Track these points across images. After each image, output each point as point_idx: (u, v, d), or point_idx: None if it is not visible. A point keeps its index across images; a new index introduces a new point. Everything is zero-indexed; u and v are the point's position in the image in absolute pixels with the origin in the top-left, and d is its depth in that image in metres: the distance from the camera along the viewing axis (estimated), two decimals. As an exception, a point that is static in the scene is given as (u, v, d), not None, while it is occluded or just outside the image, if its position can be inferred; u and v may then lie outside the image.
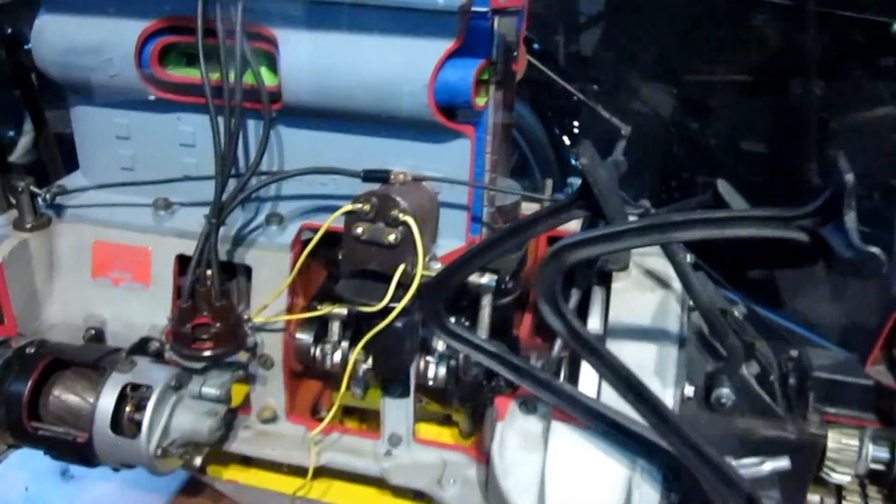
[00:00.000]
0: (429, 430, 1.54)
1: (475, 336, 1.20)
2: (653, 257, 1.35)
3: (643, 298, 1.31)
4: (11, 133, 1.76)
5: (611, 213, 1.03)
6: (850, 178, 0.78)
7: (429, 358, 1.34)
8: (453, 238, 1.32)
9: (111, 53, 1.26)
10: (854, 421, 1.33)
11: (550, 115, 3.21)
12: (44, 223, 1.40)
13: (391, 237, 1.13)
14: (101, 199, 1.42)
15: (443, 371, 1.34)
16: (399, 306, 1.15)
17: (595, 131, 3.17)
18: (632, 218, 1.30)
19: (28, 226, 1.38)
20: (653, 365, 1.23)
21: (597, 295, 1.35)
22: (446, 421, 1.55)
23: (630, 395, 1.03)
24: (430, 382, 1.34)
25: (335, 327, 1.35)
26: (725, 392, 1.26)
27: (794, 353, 1.44)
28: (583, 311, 1.26)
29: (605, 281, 1.35)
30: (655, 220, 0.88)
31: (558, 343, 1.25)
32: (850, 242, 0.76)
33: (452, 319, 1.35)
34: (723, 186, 1.17)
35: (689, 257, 1.44)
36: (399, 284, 1.15)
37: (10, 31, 1.46)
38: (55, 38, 1.29)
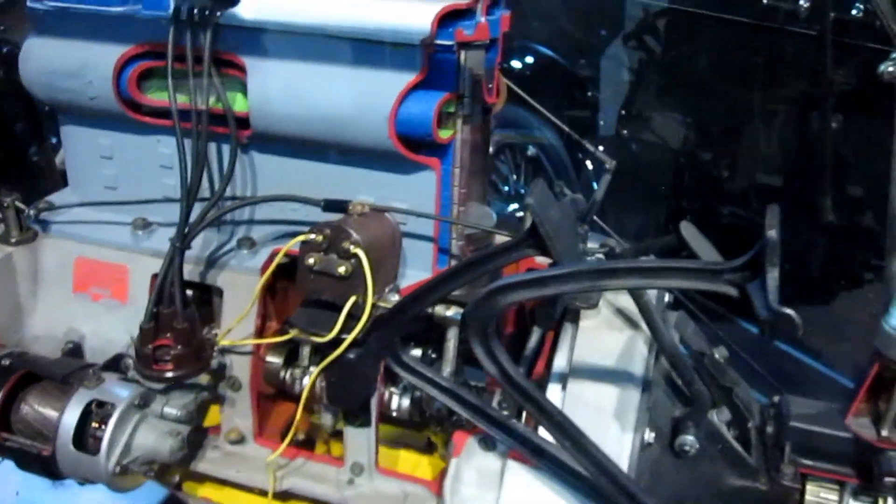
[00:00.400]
0: (407, 458, 1.53)
1: (430, 370, 1.19)
2: (625, 296, 1.32)
3: (610, 338, 1.28)
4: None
5: (557, 255, 1.01)
6: (773, 234, 0.75)
7: (393, 389, 1.33)
8: (419, 269, 1.31)
9: (91, 76, 1.30)
10: (831, 475, 1.28)
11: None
12: (29, 238, 1.44)
13: (342, 269, 1.13)
14: (85, 215, 1.45)
15: (406, 402, 1.33)
16: (349, 338, 1.14)
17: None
18: (599, 256, 1.29)
19: (13, 240, 1.42)
20: (612, 408, 1.21)
21: (567, 333, 1.33)
22: (429, 448, 1.54)
23: (566, 442, 1.00)
24: (394, 413, 1.33)
25: (305, 352, 1.36)
26: (689, 439, 1.22)
27: (776, 399, 1.39)
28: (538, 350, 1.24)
29: (577, 318, 1.33)
30: (585, 266, 0.86)
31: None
32: (766, 303, 0.73)
33: (419, 351, 1.35)
34: (686, 229, 1.14)
35: (666, 296, 1.41)
36: (351, 316, 1.15)
37: (5, 50, 1.51)
38: (40, 60, 1.33)
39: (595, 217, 1.51)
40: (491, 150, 4.05)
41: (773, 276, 0.75)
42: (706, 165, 2.68)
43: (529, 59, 3.55)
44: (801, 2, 2.37)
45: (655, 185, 2.83)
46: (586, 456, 1.00)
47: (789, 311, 0.72)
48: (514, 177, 3.68)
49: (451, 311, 1.29)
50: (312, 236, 1.14)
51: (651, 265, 0.85)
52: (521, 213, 3.54)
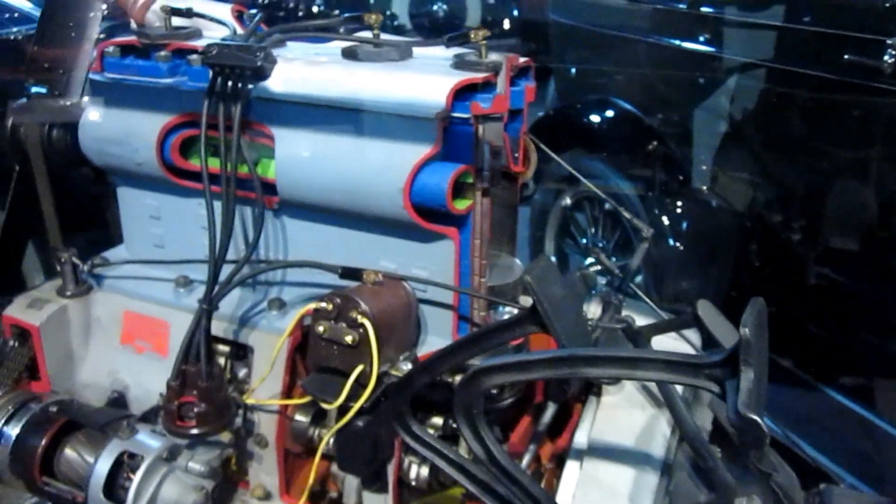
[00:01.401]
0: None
1: (439, 442, 1.18)
2: (652, 372, 1.28)
3: (631, 416, 1.24)
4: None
5: (556, 334, 0.99)
6: (746, 333, 0.71)
7: (411, 458, 1.32)
8: (440, 336, 1.31)
9: (137, 144, 1.38)
10: (876, 577, 1.18)
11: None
12: (83, 291, 1.53)
13: (349, 338, 1.15)
14: (135, 271, 1.53)
15: (425, 472, 1.32)
16: (355, 406, 1.15)
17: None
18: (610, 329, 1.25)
19: (69, 293, 1.51)
20: (627, 491, 1.16)
21: (590, 407, 1.29)
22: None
23: (558, 530, 0.97)
24: (413, 483, 1.32)
25: (331, 412, 1.37)
26: (712, 529, 1.15)
27: (821, 487, 1.30)
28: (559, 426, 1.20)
29: (600, 393, 1.29)
30: (563, 353, 0.84)
31: (527, 456, 1.20)
32: (735, 406, 0.68)
33: (441, 420, 1.34)
34: (703, 308, 1.09)
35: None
36: (359, 384, 1.16)
37: (78, 114, 1.62)
38: (94, 127, 1.43)
39: (631, 284, 1.47)
40: (569, 201, 4.00)
41: (747, 377, 0.70)
42: (783, 228, 2.56)
43: (610, 114, 3.52)
44: (886, 57, 2.26)
45: (738, 246, 2.73)
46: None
47: (755, 416, 0.67)
48: (592, 230, 3.63)
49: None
50: (323, 304, 1.16)
51: (631, 355, 0.82)
52: (597, 268, 3.48)
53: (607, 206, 3.51)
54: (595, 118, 3.50)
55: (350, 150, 1.22)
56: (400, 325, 1.22)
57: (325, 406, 1.18)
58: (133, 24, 1.52)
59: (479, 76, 1.18)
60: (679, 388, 1.24)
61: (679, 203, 3.03)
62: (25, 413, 1.42)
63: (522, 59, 1.29)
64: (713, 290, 2.71)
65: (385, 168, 1.19)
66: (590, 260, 3.59)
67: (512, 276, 1.31)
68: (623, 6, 3.49)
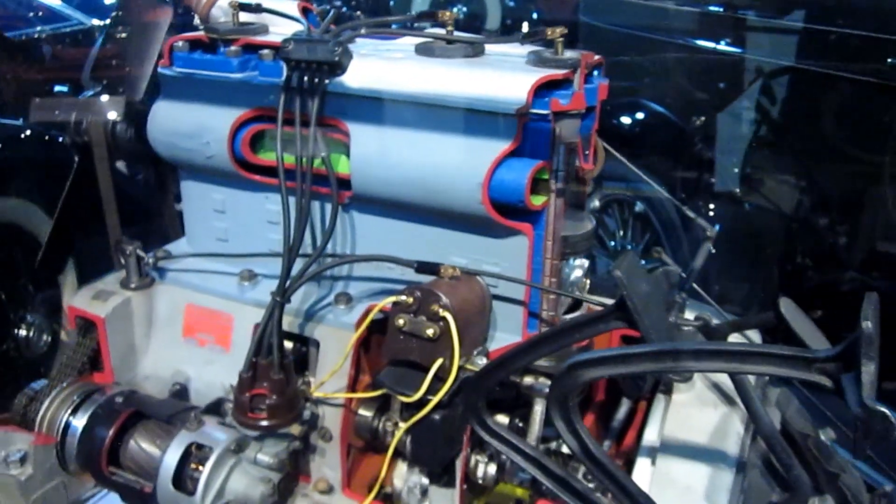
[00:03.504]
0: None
1: (515, 437, 1.18)
2: (722, 370, 1.28)
3: (703, 415, 1.24)
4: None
5: (645, 330, 0.99)
6: (868, 326, 0.71)
7: (479, 457, 1.32)
8: (509, 332, 1.31)
9: (208, 137, 1.39)
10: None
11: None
12: (147, 284, 1.54)
13: (430, 331, 1.15)
14: (197, 265, 1.54)
15: (492, 470, 1.32)
16: (434, 400, 1.15)
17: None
18: (691, 329, 1.25)
19: (133, 285, 1.52)
20: (703, 489, 1.16)
21: (659, 406, 1.29)
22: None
23: (648, 525, 0.97)
24: (480, 481, 1.33)
25: (396, 406, 1.38)
26: (787, 527, 1.15)
27: (888, 488, 1.30)
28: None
29: (670, 391, 1.29)
30: (669, 347, 0.84)
31: (602, 453, 1.20)
32: (860, 398, 0.69)
33: (506, 419, 1.34)
34: (786, 305, 1.09)
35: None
36: (437, 377, 1.16)
37: (142, 110, 1.64)
38: (164, 122, 1.44)
39: (695, 285, 1.47)
40: (597, 204, 3.99)
41: (868, 370, 0.71)
42: (824, 230, 2.56)
43: (640, 116, 3.52)
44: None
45: (770, 249, 2.73)
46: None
47: (884, 408, 0.68)
48: (621, 232, 3.63)
49: (538, 382, 1.29)
50: (403, 298, 1.17)
51: (738, 349, 0.82)
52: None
53: (637, 207, 3.52)
54: (626, 120, 3.51)
55: (427, 145, 1.23)
56: (475, 319, 1.23)
57: (403, 399, 1.18)
58: (196, 20, 1.53)
59: (559, 73, 1.19)
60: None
61: (715, 205, 3.03)
62: (91, 404, 1.43)
63: (596, 57, 1.29)
64: (755, 292, 2.71)
65: (463, 163, 1.20)
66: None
67: (583, 228, 1.31)
68: (666, 8, 3.49)
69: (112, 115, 1.82)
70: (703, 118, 3.42)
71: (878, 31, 2.41)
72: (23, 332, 2.60)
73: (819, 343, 1.05)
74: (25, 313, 2.60)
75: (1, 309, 2.51)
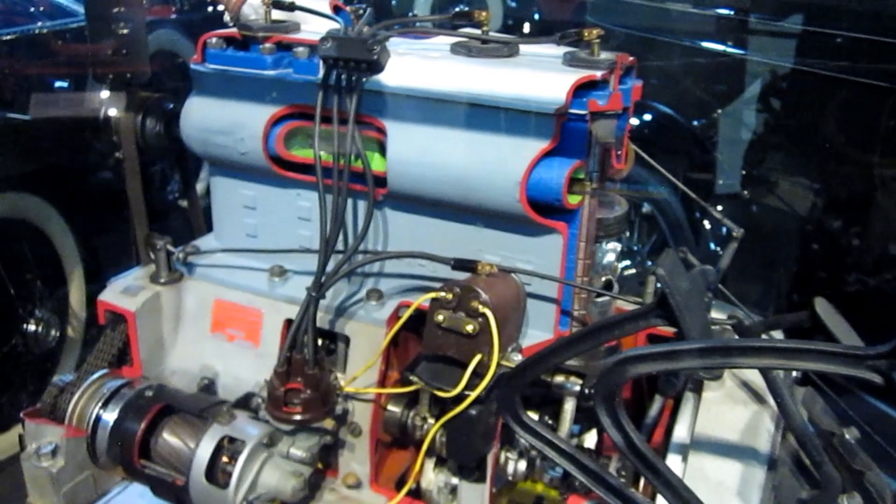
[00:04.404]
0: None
1: (549, 432, 1.20)
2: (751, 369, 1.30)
3: (734, 412, 1.26)
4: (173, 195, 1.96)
5: (686, 327, 1.00)
6: (923, 324, 0.73)
7: (509, 454, 1.34)
8: (541, 330, 1.33)
9: (243, 134, 1.40)
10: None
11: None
12: (176, 278, 1.55)
13: (469, 327, 1.17)
14: (226, 260, 1.55)
15: (523, 466, 1.34)
16: (472, 395, 1.17)
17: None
18: (726, 328, 1.27)
19: (162, 280, 1.53)
20: (735, 485, 1.18)
21: (689, 403, 1.31)
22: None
23: (690, 519, 0.99)
24: (510, 477, 1.34)
25: (424, 401, 1.39)
26: (817, 524, 1.17)
27: (912, 487, 1.32)
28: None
29: (700, 388, 1.31)
30: (718, 343, 0.86)
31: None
32: (915, 394, 0.70)
33: (535, 416, 1.36)
34: (821, 305, 1.11)
35: (794, 372, 1.36)
36: (475, 373, 1.18)
37: (171, 106, 1.64)
38: (198, 117, 1.45)
39: (720, 286, 1.49)
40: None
41: (921, 366, 0.72)
42: (832, 233, 2.58)
43: (647, 117, 3.54)
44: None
45: (777, 250, 2.75)
46: (710, 534, 0.98)
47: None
48: (628, 234, 3.64)
49: (569, 381, 1.30)
50: (442, 294, 1.18)
51: (788, 346, 0.84)
52: (632, 271, 3.50)
53: (644, 209, 3.53)
54: (634, 122, 3.52)
55: (465, 143, 1.24)
56: (511, 316, 1.24)
57: (440, 395, 1.20)
58: (227, 17, 1.54)
59: (597, 73, 1.20)
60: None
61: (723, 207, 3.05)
62: (121, 398, 1.44)
63: (630, 58, 1.31)
64: (768, 292, 2.73)
65: (501, 162, 1.21)
66: (625, 263, 3.60)
67: (615, 212, 1.34)
68: (674, 10, 3.51)
69: (113, 112, 1.82)
70: (709, 120, 3.45)
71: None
72: (31, 328, 2.61)
73: (854, 343, 1.07)
74: (34, 309, 2.61)
75: (9, 304, 2.52)
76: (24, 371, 2.62)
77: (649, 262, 3.52)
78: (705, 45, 3.41)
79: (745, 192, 3.18)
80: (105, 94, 1.65)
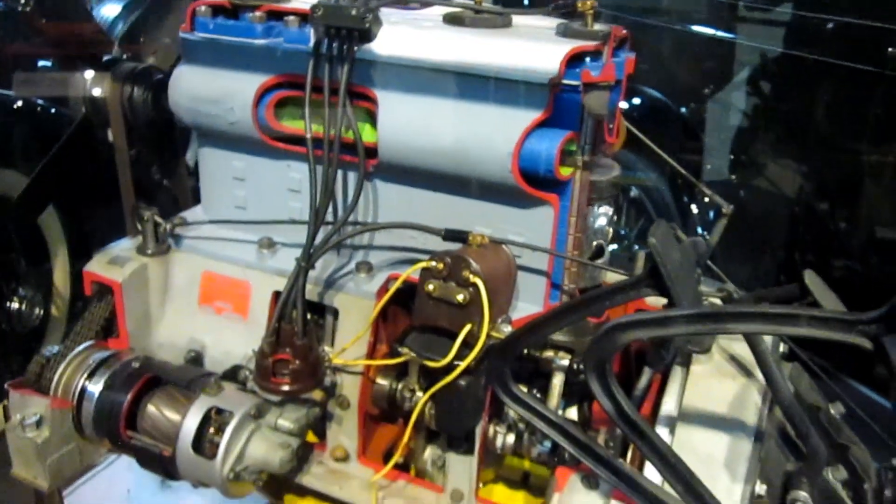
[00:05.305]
0: (503, 491, 1.53)
1: (539, 403, 1.20)
2: (739, 342, 1.30)
3: (722, 385, 1.27)
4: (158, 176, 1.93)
5: (677, 296, 1.01)
6: (914, 288, 0.73)
7: (498, 427, 1.34)
8: (531, 302, 1.33)
9: (232, 103, 1.38)
10: (954, 547, 1.22)
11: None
12: (163, 250, 1.53)
13: (460, 297, 1.16)
14: (214, 233, 1.54)
15: (511, 440, 1.34)
16: (462, 365, 1.17)
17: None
18: (714, 300, 1.27)
19: (149, 252, 1.52)
20: (723, 457, 1.18)
21: (676, 376, 1.32)
22: (524, 482, 1.54)
23: (679, 486, 0.99)
24: (498, 451, 1.34)
25: (414, 371, 1.39)
26: (803, 495, 1.18)
27: (895, 462, 1.33)
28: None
29: (688, 362, 1.32)
30: (709, 309, 0.86)
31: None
32: (905, 358, 0.71)
33: (524, 388, 1.36)
34: (810, 277, 1.12)
35: (781, 346, 1.37)
36: (465, 343, 1.18)
37: (160, 76, 1.62)
38: (187, 86, 1.43)
39: (709, 262, 1.49)
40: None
41: (912, 331, 0.73)
42: (819, 216, 2.60)
43: (637, 101, 3.55)
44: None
45: (765, 234, 2.77)
46: (698, 501, 0.98)
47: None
48: (615, 217, 3.65)
49: (557, 357, 1.31)
50: (433, 264, 1.18)
51: (779, 311, 0.84)
52: (621, 254, 3.51)
53: (632, 193, 3.54)
54: (623, 105, 3.53)
55: (457, 113, 1.23)
56: (502, 287, 1.24)
57: (430, 365, 1.19)
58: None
59: (590, 44, 1.20)
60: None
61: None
62: (107, 369, 1.42)
63: (623, 31, 1.31)
64: (755, 274, 2.75)
65: (494, 132, 1.21)
66: (613, 246, 3.61)
67: (609, 173, 1.33)
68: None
69: (96, 92, 1.80)
70: (698, 104, 3.46)
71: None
72: (14, 306, 2.59)
73: (843, 313, 1.07)
74: (17, 287, 2.59)
75: (-7, 282, 2.49)
76: (7, 350, 2.60)
77: (636, 247, 3.53)
78: (695, 28, 3.41)
79: (734, 177, 3.20)
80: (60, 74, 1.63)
